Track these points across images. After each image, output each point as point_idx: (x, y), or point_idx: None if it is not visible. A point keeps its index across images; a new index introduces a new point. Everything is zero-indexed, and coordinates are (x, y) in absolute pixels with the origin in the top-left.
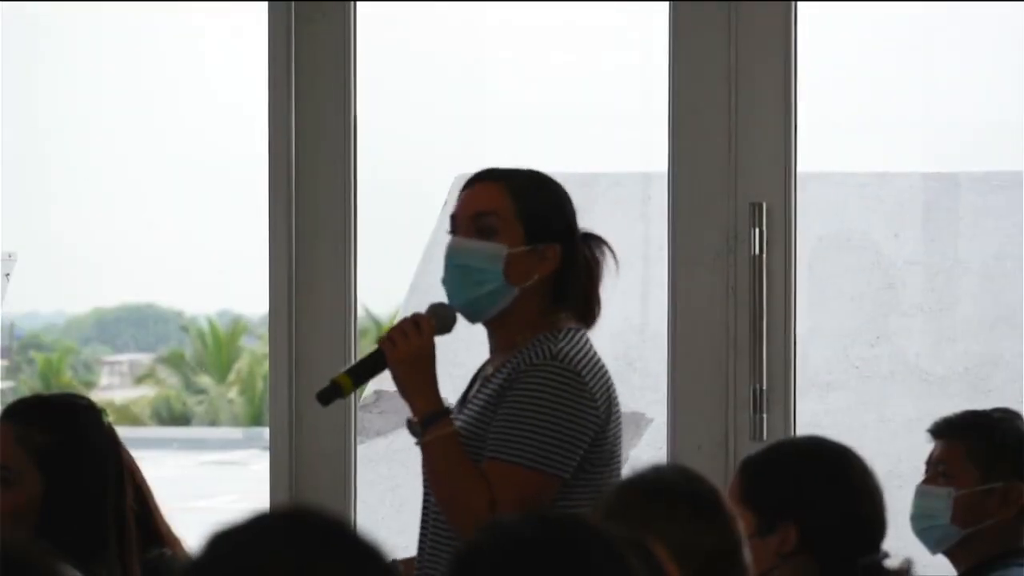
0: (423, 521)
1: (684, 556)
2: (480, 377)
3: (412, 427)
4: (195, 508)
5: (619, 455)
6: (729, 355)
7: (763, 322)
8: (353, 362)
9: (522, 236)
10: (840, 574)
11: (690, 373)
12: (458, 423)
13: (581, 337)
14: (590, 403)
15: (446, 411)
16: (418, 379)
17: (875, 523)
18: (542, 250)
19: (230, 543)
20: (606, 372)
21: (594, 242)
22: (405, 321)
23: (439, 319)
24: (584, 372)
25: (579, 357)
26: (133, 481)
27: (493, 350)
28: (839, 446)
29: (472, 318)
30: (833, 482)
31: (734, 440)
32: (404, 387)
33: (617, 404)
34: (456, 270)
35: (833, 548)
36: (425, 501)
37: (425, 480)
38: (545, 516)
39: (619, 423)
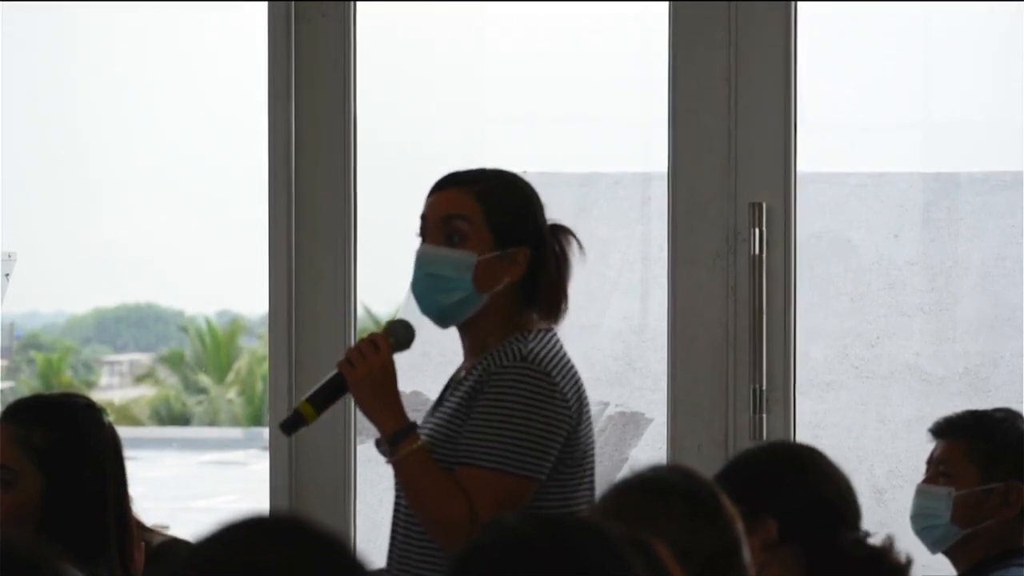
0: (393, 528)
1: (684, 556)
2: (452, 381)
3: (380, 447)
4: (195, 508)
5: (592, 455)
6: (729, 355)
7: (763, 322)
8: (313, 388)
9: (491, 242)
10: (824, 555)
11: (690, 373)
12: (429, 427)
13: (551, 338)
14: (562, 404)
15: (412, 426)
16: (380, 398)
17: (845, 505)
18: (512, 254)
19: (205, 552)
20: (576, 373)
21: (562, 234)
22: (362, 342)
23: (396, 337)
24: (554, 373)
25: (549, 358)
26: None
27: (465, 352)
28: (800, 444)
29: (442, 324)
30: (799, 471)
31: (734, 440)
32: (367, 407)
33: (587, 404)
34: (426, 278)
35: (810, 531)
36: (396, 507)
37: (397, 489)
38: (545, 516)
39: (590, 423)
